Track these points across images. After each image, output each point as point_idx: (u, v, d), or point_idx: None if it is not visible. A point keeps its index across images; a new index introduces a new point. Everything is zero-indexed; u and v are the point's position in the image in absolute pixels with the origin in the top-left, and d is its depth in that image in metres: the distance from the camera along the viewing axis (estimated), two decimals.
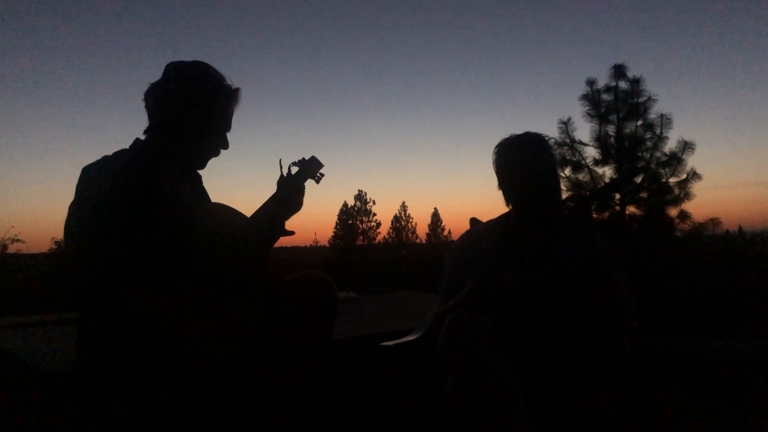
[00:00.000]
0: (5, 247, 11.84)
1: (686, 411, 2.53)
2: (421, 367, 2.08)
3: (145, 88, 1.61)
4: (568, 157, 8.11)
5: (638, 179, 7.78)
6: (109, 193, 1.36)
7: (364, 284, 7.58)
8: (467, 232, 1.94)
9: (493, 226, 1.86)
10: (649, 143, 7.90)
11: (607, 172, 8.03)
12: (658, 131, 7.88)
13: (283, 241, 1.74)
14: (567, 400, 1.57)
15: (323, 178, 1.74)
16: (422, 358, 1.87)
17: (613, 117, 8.08)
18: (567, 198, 1.67)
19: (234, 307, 1.47)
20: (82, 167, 1.44)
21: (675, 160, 7.76)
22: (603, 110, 8.12)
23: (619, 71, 8.07)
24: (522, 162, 1.71)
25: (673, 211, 7.81)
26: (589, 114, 8.17)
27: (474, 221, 2.03)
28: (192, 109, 1.57)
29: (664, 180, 7.78)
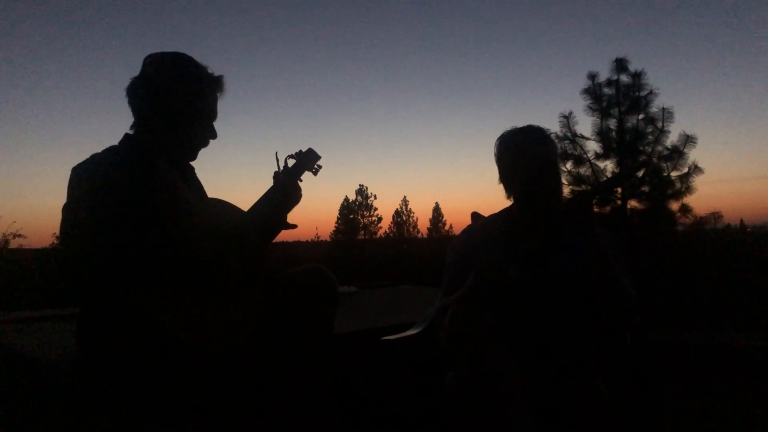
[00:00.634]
0: (7, 242, 11.87)
1: (687, 405, 2.53)
2: (423, 361, 2.08)
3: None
4: (569, 151, 8.11)
5: (640, 173, 7.77)
6: (102, 194, 1.35)
7: (365, 279, 7.58)
8: (469, 227, 1.94)
9: (494, 221, 1.86)
10: (650, 137, 7.90)
11: (608, 166, 8.03)
12: (659, 125, 7.88)
13: (285, 236, 1.74)
14: (568, 395, 1.57)
15: (320, 170, 1.74)
16: (424, 353, 1.86)
17: (615, 111, 8.07)
18: (570, 198, 1.67)
19: (234, 302, 1.47)
20: (72, 167, 1.43)
21: (676, 153, 7.76)
22: (604, 104, 8.11)
23: (620, 65, 8.06)
24: (524, 155, 1.70)
25: (674, 205, 7.82)
26: (590, 108, 8.17)
27: (475, 216, 2.03)
28: (175, 100, 1.56)
29: (665, 174, 7.78)
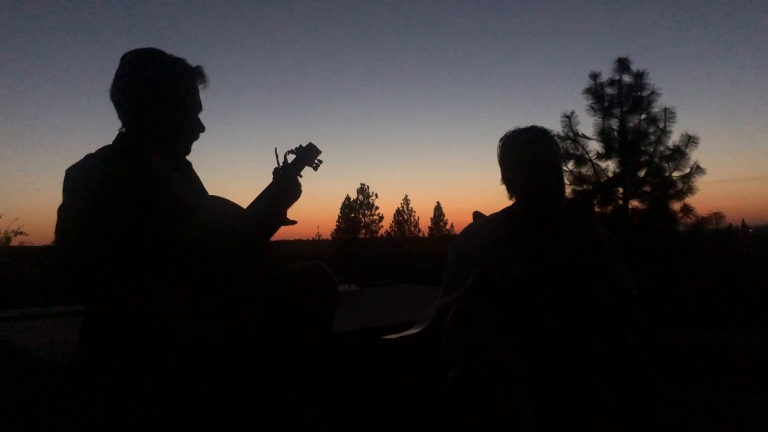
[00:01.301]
0: (8, 239, 11.86)
1: (689, 404, 2.53)
2: (424, 360, 2.07)
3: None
4: (571, 151, 8.09)
5: (641, 173, 7.76)
6: (97, 195, 1.34)
7: (367, 277, 7.58)
8: (470, 226, 1.93)
9: (496, 220, 1.85)
10: (652, 137, 7.87)
11: (610, 165, 8.01)
12: (661, 125, 7.85)
13: (286, 234, 1.74)
14: (570, 393, 1.57)
15: (321, 165, 1.73)
16: (425, 351, 1.86)
17: (617, 111, 8.05)
18: (571, 198, 1.67)
19: (233, 299, 1.47)
20: (65, 168, 1.42)
21: (678, 154, 7.74)
22: (606, 104, 8.09)
23: (622, 65, 8.04)
24: (526, 156, 1.70)
25: (676, 205, 7.79)
26: (592, 107, 8.14)
27: (477, 215, 2.03)
28: (155, 94, 1.54)
29: (667, 174, 7.76)
